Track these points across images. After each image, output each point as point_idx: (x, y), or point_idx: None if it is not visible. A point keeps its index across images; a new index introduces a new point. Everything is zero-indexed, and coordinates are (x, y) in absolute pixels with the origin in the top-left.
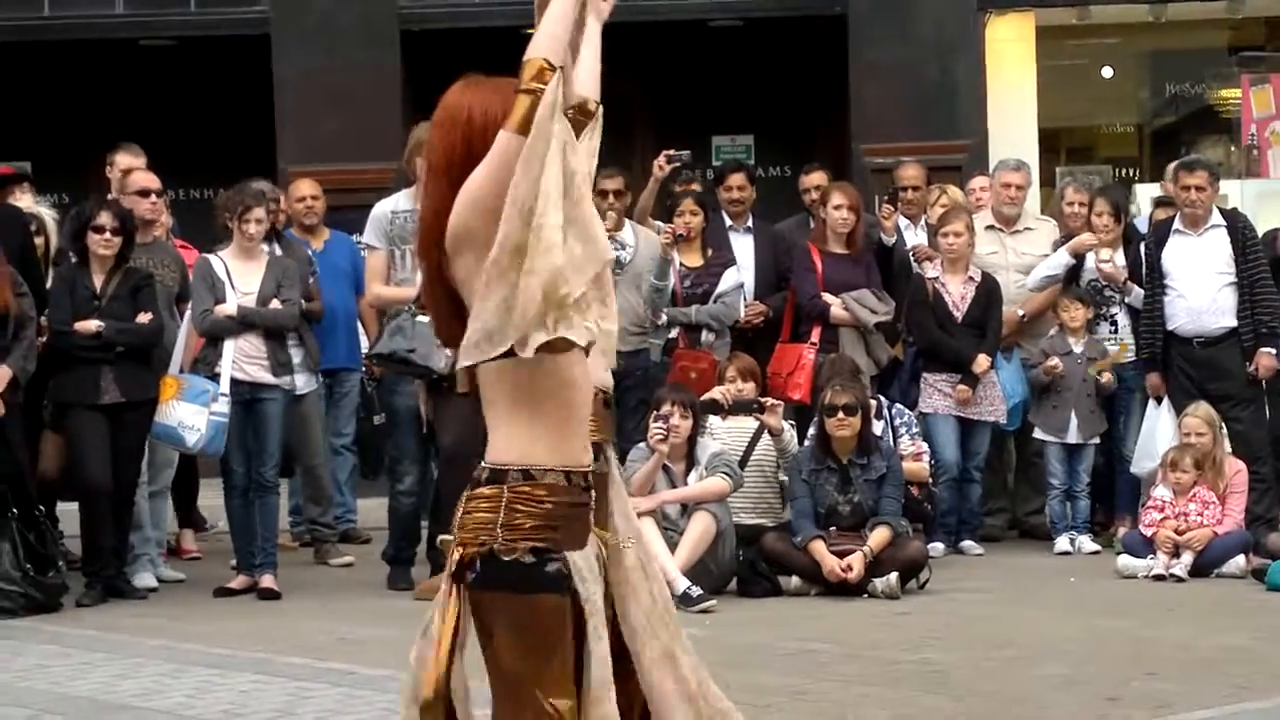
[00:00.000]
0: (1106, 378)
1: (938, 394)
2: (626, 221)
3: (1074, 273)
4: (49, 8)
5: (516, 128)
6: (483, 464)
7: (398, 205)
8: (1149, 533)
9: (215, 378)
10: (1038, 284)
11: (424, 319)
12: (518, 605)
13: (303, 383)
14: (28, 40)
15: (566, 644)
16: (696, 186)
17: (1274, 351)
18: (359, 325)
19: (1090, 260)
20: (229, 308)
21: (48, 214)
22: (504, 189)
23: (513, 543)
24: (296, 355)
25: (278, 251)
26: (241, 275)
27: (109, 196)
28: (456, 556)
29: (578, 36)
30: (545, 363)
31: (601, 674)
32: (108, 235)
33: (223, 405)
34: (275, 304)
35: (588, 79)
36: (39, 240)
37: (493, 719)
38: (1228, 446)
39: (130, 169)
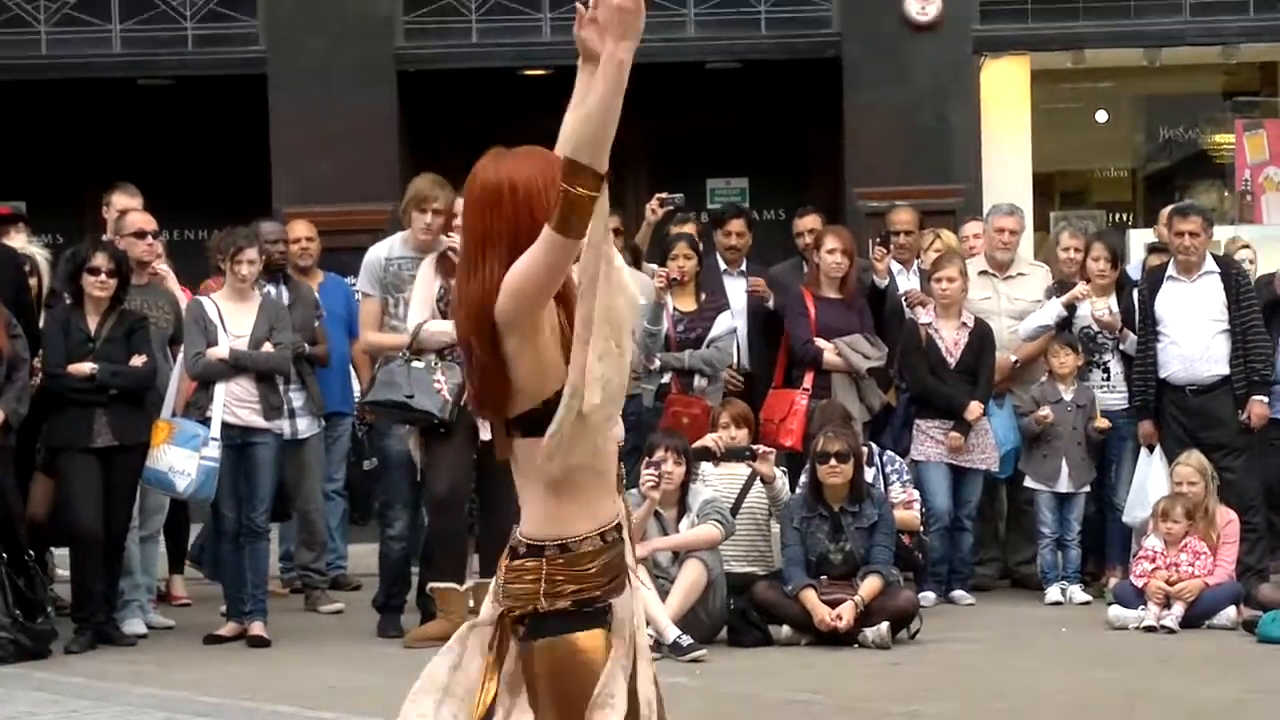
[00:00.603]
0: (1102, 423)
1: (930, 441)
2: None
3: (1066, 319)
4: (46, 47)
5: (557, 227)
6: (519, 536)
7: (391, 251)
8: (1140, 583)
9: (207, 421)
10: (1030, 334)
11: (419, 364)
12: (562, 645)
13: (304, 427)
14: (24, 79)
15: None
16: (690, 229)
17: (1266, 400)
18: (351, 369)
19: (1084, 307)
20: (221, 351)
21: (40, 254)
22: (551, 282)
23: (555, 602)
24: (298, 399)
25: (272, 292)
26: (234, 317)
27: (104, 237)
28: (497, 615)
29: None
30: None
31: (647, 692)
32: (103, 277)
33: (214, 450)
34: (268, 347)
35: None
36: (32, 281)
37: None
38: (1220, 496)
39: (126, 209)
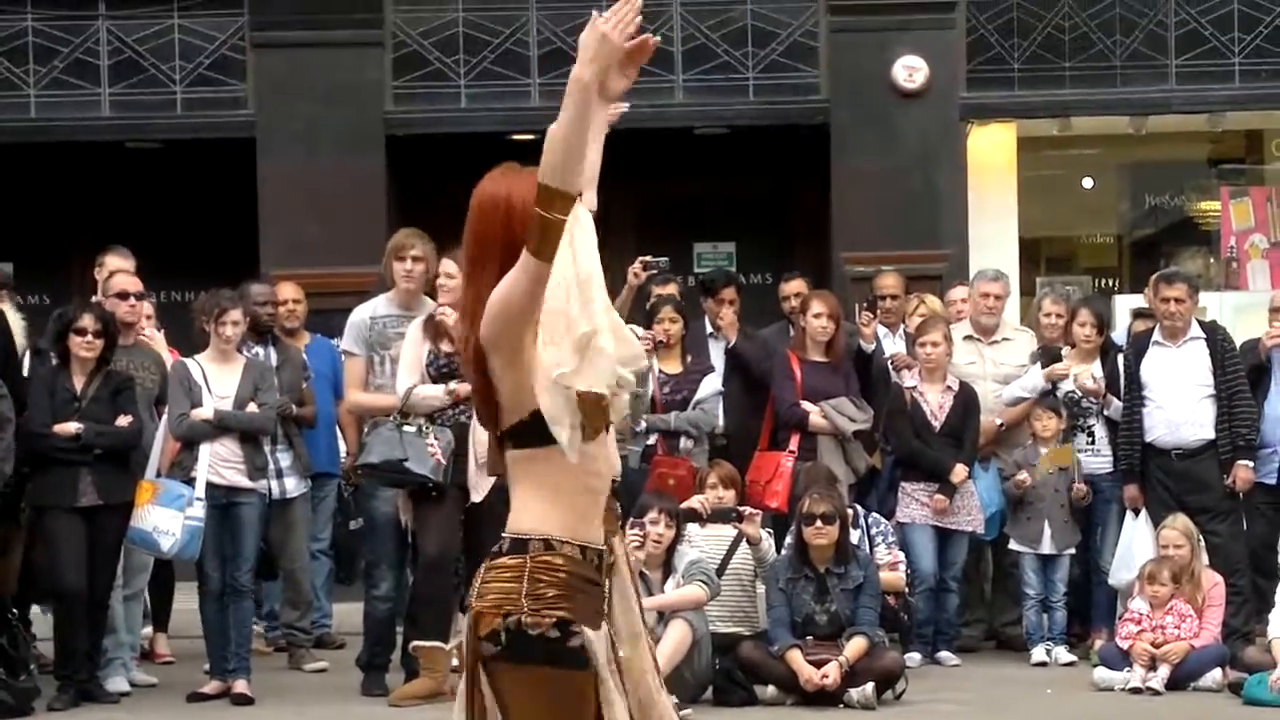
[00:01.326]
0: (1081, 490)
1: (915, 503)
2: None
3: (1054, 386)
4: (35, 110)
5: (534, 250)
6: (503, 535)
7: (376, 310)
8: (1126, 645)
9: (191, 482)
10: (1011, 401)
11: (409, 429)
12: (550, 679)
13: (292, 486)
14: (13, 142)
15: (590, 716)
16: (674, 292)
17: (1251, 464)
18: (337, 430)
19: (1070, 379)
20: (205, 412)
21: (13, 314)
22: (525, 307)
23: (538, 613)
24: (285, 459)
25: (260, 354)
26: (218, 378)
27: (95, 298)
28: (473, 625)
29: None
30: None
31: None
32: (89, 338)
33: (198, 510)
34: (252, 407)
35: (589, 179)
36: None
37: None
38: (1205, 559)
39: (117, 271)
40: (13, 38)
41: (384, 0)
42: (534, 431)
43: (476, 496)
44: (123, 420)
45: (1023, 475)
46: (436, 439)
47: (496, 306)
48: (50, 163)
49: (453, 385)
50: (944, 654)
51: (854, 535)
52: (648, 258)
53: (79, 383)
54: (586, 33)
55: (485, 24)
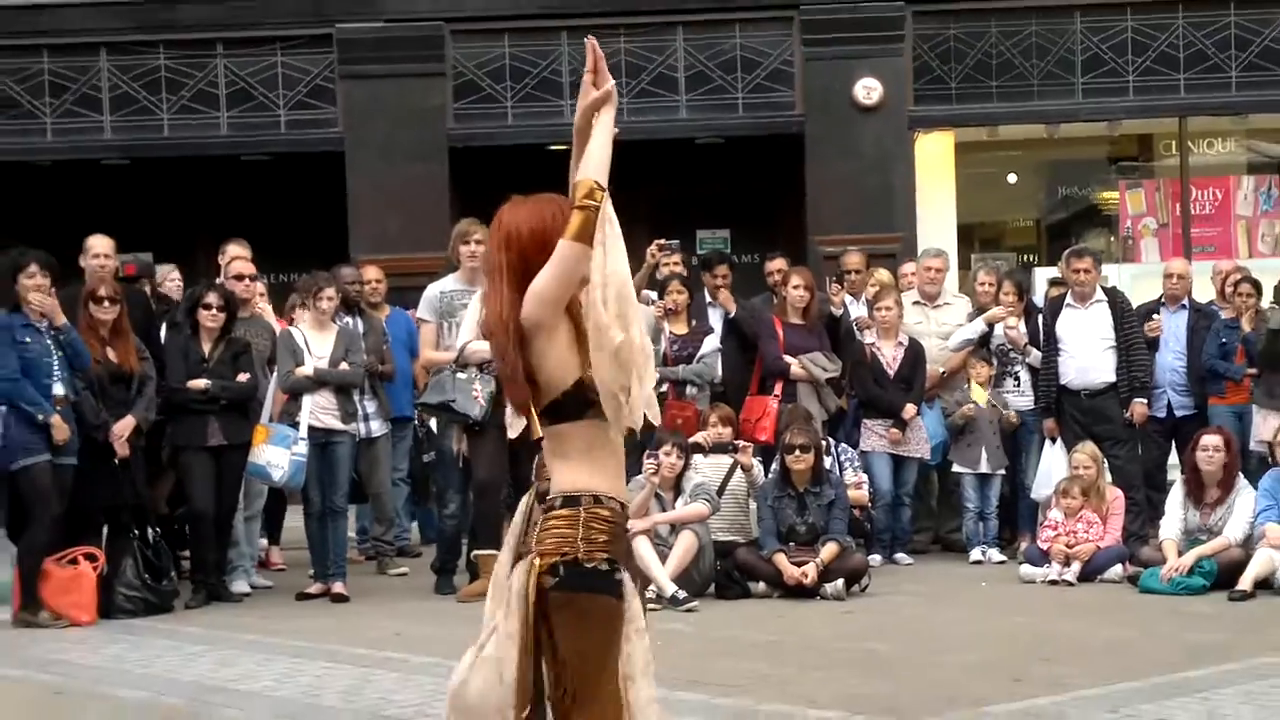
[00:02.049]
0: (1012, 416)
1: (874, 435)
2: None
3: (985, 339)
4: (168, 130)
5: (574, 236)
6: (556, 492)
7: (444, 286)
8: (1045, 546)
9: (296, 425)
10: (957, 346)
11: (462, 375)
12: (598, 605)
13: (376, 428)
14: (151, 156)
15: (618, 645)
16: (681, 270)
17: (1145, 402)
18: (414, 383)
19: (999, 329)
20: (306, 369)
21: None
22: (565, 288)
23: (591, 553)
24: (371, 406)
25: (350, 323)
26: (316, 343)
27: (217, 280)
28: (536, 565)
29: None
30: (605, 428)
31: (646, 660)
32: (214, 311)
33: (302, 448)
34: (344, 366)
35: (602, 163)
36: None
37: (573, 700)
38: (1109, 478)
39: (235, 258)
40: (148, 73)
41: (445, 40)
42: (570, 407)
43: (512, 434)
44: (242, 377)
45: (968, 406)
46: (480, 385)
47: (538, 291)
48: (181, 173)
49: None
50: (900, 555)
51: (826, 462)
52: (663, 240)
53: (207, 348)
54: (594, 93)
55: (527, 57)
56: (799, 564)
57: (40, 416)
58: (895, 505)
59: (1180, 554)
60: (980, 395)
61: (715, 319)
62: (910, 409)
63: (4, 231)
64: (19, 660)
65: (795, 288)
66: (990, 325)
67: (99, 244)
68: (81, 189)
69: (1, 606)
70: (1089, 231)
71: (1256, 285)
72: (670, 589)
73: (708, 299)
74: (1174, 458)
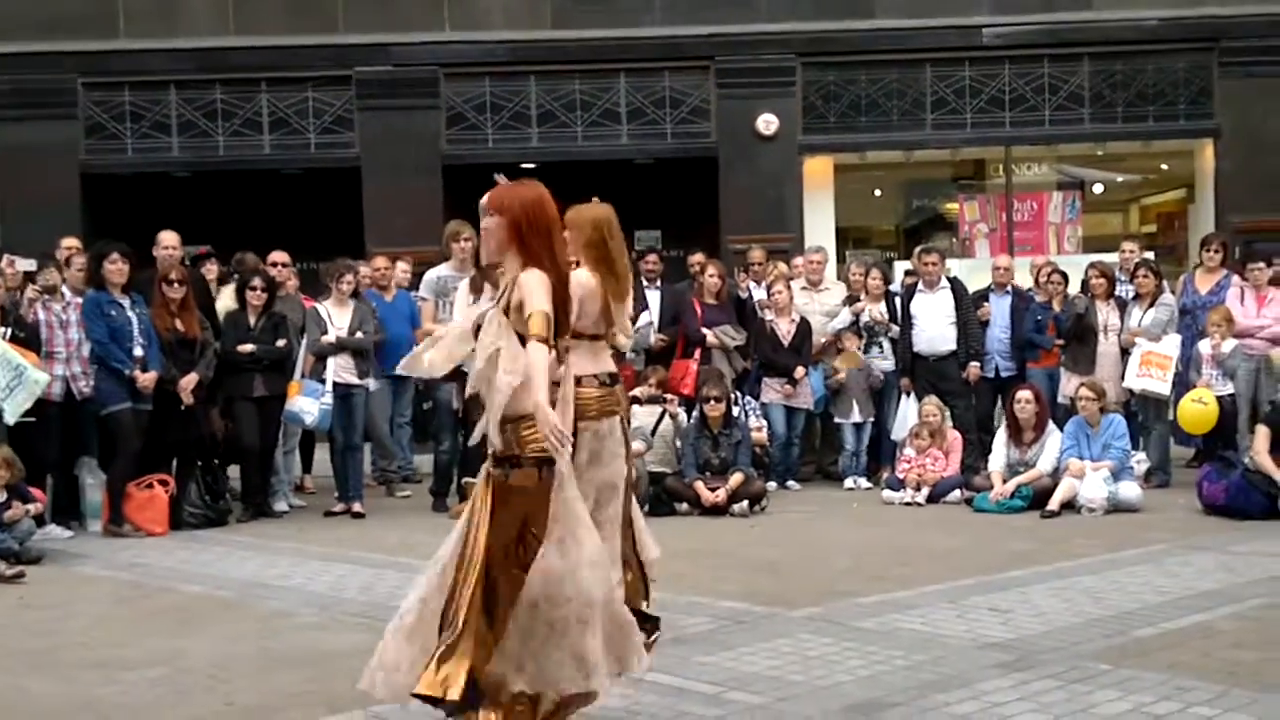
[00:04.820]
0: (878, 377)
1: (772, 390)
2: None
3: (855, 320)
4: (223, 151)
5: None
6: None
7: (440, 273)
8: (902, 476)
9: (323, 381)
10: (835, 330)
11: None
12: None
13: (371, 385)
14: (210, 171)
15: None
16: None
17: (978, 365)
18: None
19: (866, 313)
20: (330, 338)
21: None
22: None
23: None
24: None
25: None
26: (337, 317)
27: (261, 267)
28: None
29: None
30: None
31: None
32: (259, 291)
33: (328, 399)
34: (359, 335)
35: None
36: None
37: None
38: (950, 423)
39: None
40: (208, 104)
41: (440, 81)
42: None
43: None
44: (280, 343)
45: (841, 374)
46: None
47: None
48: (233, 184)
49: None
50: (791, 483)
51: (735, 410)
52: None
53: (252, 319)
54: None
55: (504, 95)
56: (713, 489)
57: (126, 372)
58: (787, 444)
59: (1004, 482)
60: (854, 360)
61: (651, 299)
62: (800, 370)
63: (96, 228)
64: (108, 563)
65: (710, 275)
66: (855, 315)
67: (168, 238)
68: (154, 195)
69: (94, 521)
70: (936, 233)
71: (1064, 275)
72: None
73: (644, 284)
74: (1000, 408)
